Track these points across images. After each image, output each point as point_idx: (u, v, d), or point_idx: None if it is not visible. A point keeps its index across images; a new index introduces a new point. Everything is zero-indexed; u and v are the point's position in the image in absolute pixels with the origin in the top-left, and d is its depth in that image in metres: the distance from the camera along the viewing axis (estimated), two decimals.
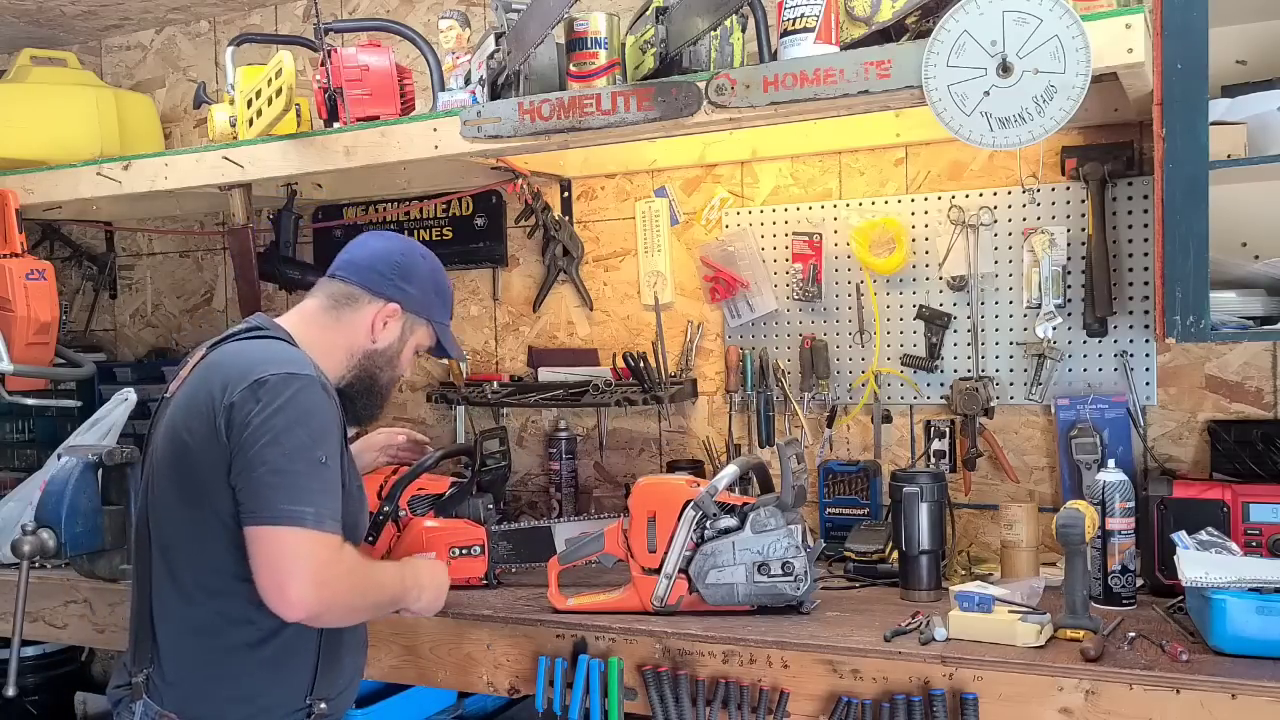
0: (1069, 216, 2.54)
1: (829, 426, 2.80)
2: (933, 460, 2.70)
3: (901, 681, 1.96)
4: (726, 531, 2.21)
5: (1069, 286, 2.53)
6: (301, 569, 1.75)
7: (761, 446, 2.85)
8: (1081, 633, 1.96)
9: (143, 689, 1.90)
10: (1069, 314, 2.53)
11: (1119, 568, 2.17)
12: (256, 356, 1.87)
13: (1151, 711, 1.80)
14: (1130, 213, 2.49)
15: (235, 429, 1.79)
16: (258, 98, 2.63)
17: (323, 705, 1.93)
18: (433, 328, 2.15)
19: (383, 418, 3.43)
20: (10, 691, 2.53)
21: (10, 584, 2.60)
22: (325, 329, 2.04)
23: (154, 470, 1.94)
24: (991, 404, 2.59)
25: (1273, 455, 2.31)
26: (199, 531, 1.85)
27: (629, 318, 3.09)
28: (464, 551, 2.51)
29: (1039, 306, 2.52)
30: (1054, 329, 2.51)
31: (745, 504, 2.23)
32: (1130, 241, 2.49)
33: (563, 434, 3.08)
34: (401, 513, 2.53)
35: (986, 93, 1.88)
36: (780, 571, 2.19)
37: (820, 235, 2.78)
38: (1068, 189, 2.54)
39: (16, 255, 2.95)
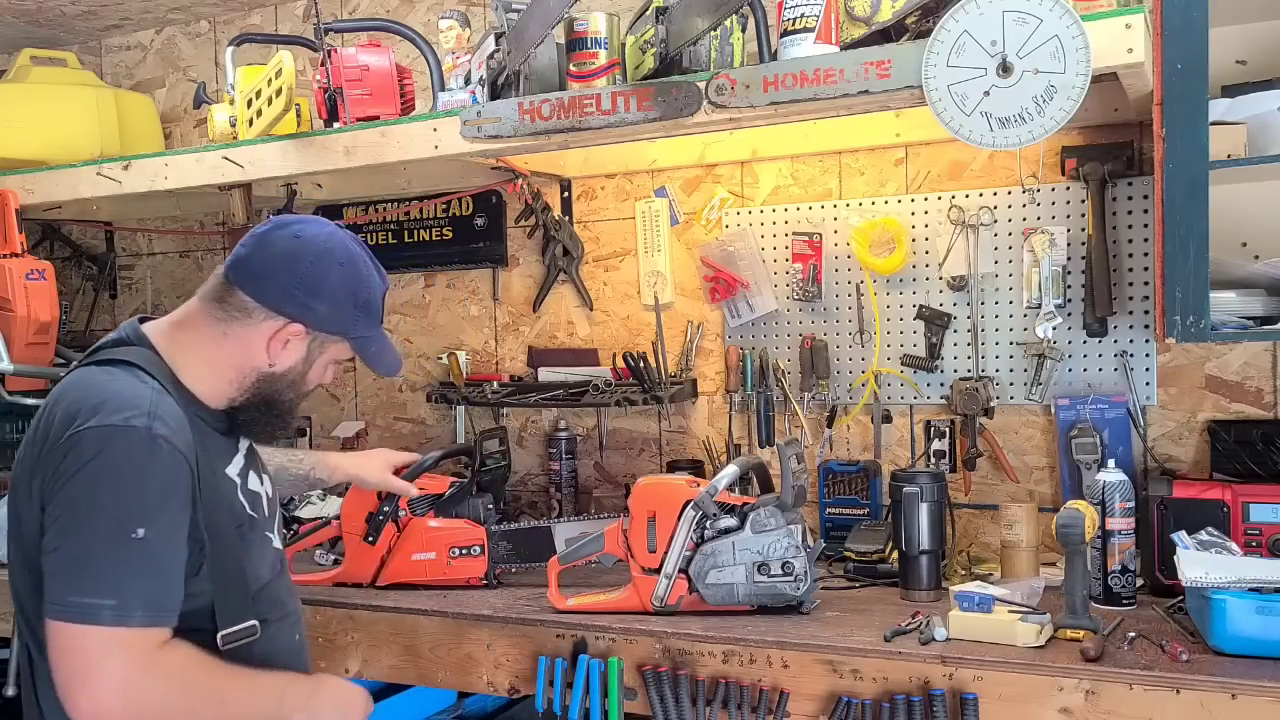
0: (1069, 216, 2.54)
1: (829, 426, 2.80)
2: (933, 460, 2.70)
3: (901, 681, 1.96)
4: (726, 531, 2.21)
5: (1069, 286, 2.53)
6: (95, 676, 1.44)
7: (761, 446, 2.85)
8: (1081, 633, 1.96)
9: None
10: (1069, 314, 2.53)
11: (1119, 568, 2.17)
12: (84, 398, 1.56)
13: (1151, 711, 1.80)
14: (1130, 213, 2.49)
15: (46, 494, 1.52)
16: (258, 98, 2.63)
17: None
18: (352, 345, 1.79)
19: (380, 413, 3.45)
20: (10, 691, 2.53)
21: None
22: (210, 342, 1.69)
23: (8, 520, 1.64)
24: (991, 404, 2.59)
25: (1273, 455, 2.31)
26: (41, 608, 1.53)
27: (629, 318, 3.09)
28: (464, 551, 2.51)
29: (1039, 306, 2.52)
30: (1054, 329, 2.51)
31: (745, 504, 2.24)
32: (1130, 241, 2.49)
33: (563, 434, 3.08)
34: (401, 513, 2.53)
35: (986, 93, 1.88)
36: (780, 571, 2.19)
37: (820, 235, 2.78)
38: (1068, 189, 2.54)
39: (16, 255, 2.95)
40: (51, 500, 1.52)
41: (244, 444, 1.80)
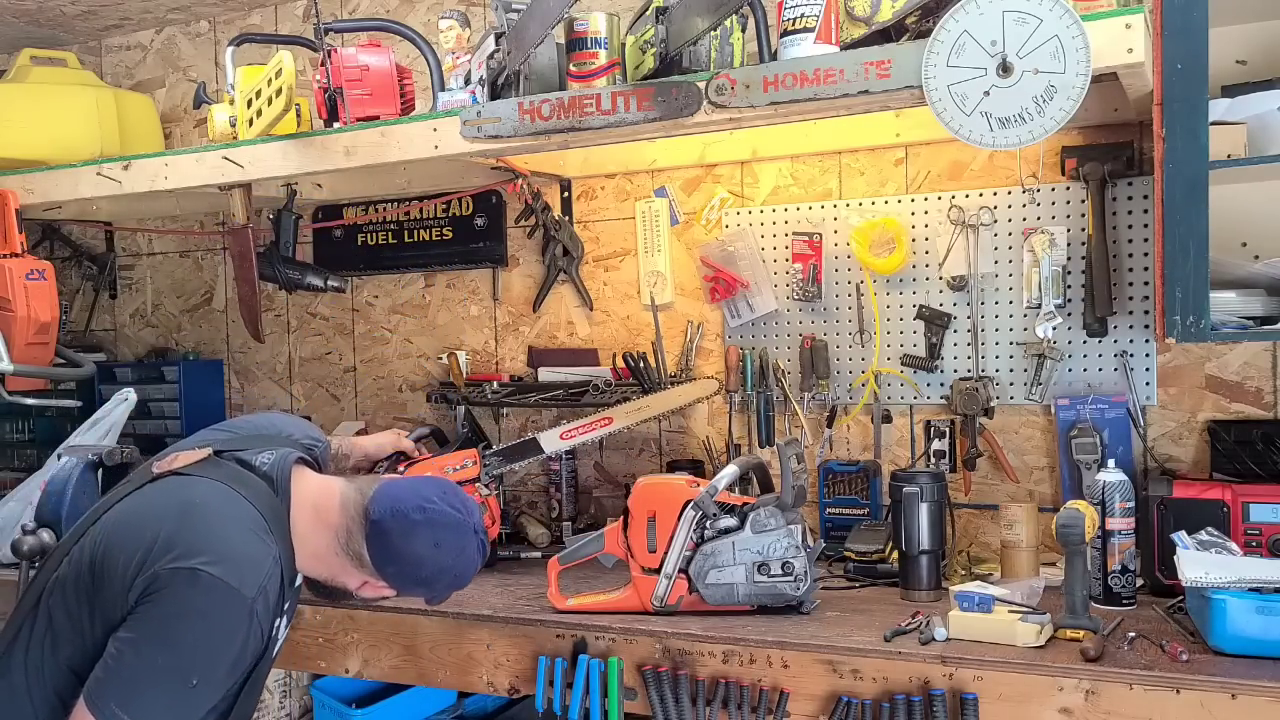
0: (1069, 216, 2.54)
1: (829, 426, 2.80)
2: (933, 460, 2.70)
3: (901, 681, 1.97)
4: (726, 531, 2.21)
5: (1069, 286, 2.53)
6: None
7: (761, 446, 2.85)
8: (1081, 633, 1.96)
9: None
10: (1069, 314, 2.53)
11: (1119, 568, 2.18)
12: (215, 535, 1.63)
13: (1151, 711, 1.80)
14: (1130, 213, 2.49)
15: (137, 586, 1.59)
16: (258, 98, 2.63)
17: None
18: (425, 599, 1.94)
19: (380, 413, 3.45)
20: None
21: (10, 584, 2.60)
22: (328, 548, 1.80)
23: (66, 564, 1.71)
24: (991, 404, 2.59)
25: (1273, 455, 2.31)
26: (48, 682, 1.65)
27: (629, 318, 3.09)
28: (461, 467, 2.58)
29: (1039, 306, 2.52)
30: (1054, 329, 2.51)
31: (745, 504, 2.24)
32: (1130, 241, 2.49)
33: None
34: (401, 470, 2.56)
35: (986, 93, 1.88)
36: (780, 571, 2.19)
37: (820, 235, 2.78)
38: (1068, 189, 2.54)
39: (16, 255, 2.95)
40: (143, 603, 1.58)
41: (289, 602, 1.86)
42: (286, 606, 1.83)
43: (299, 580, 1.87)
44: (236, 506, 1.70)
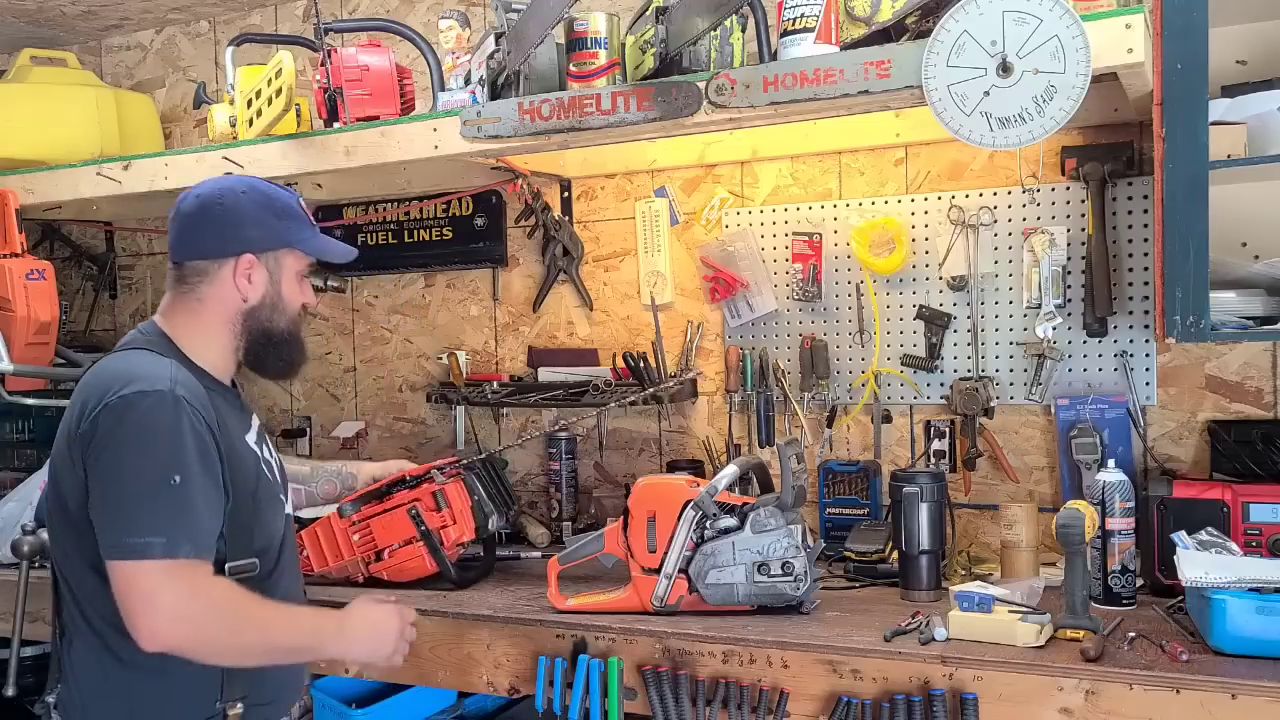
0: (1069, 216, 2.54)
1: (829, 426, 2.80)
2: (933, 460, 2.70)
3: (901, 681, 1.96)
4: (726, 531, 2.21)
5: (1069, 286, 2.53)
6: (152, 604, 1.67)
7: (761, 446, 2.85)
8: (1081, 633, 1.96)
9: (51, 709, 1.87)
10: (1069, 314, 2.53)
11: (1119, 568, 2.18)
12: (109, 377, 1.78)
13: (1151, 711, 1.80)
14: (1130, 213, 2.49)
15: (88, 460, 1.73)
16: (258, 98, 2.63)
17: (238, 707, 1.84)
18: (298, 249, 1.98)
19: (380, 413, 3.45)
20: (10, 691, 2.53)
21: (10, 584, 2.60)
22: (194, 314, 1.91)
23: (48, 495, 1.89)
24: (991, 404, 2.59)
25: (1273, 455, 2.31)
26: (81, 559, 1.79)
27: (629, 318, 3.09)
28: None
29: (1039, 306, 2.52)
30: (1054, 329, 2.51)
31: (745, 504, 2.23)
32: (1130, 241, 2.49)
33: (563, 434, 3.08)
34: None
35: (986, 93, 1.88)
36: (780, 571, 2.19)
37: (820, 235, 2.78)
38: (1068, 189, 2.54)
39: (16, 255, 2.95)
40: (94, 462, 1.72)
41: (256, 421, 2.00)
42: (253, 429, 1.95)
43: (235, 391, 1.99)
44: (117, 358, 1.86)
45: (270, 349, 1.96)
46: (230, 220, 1.89)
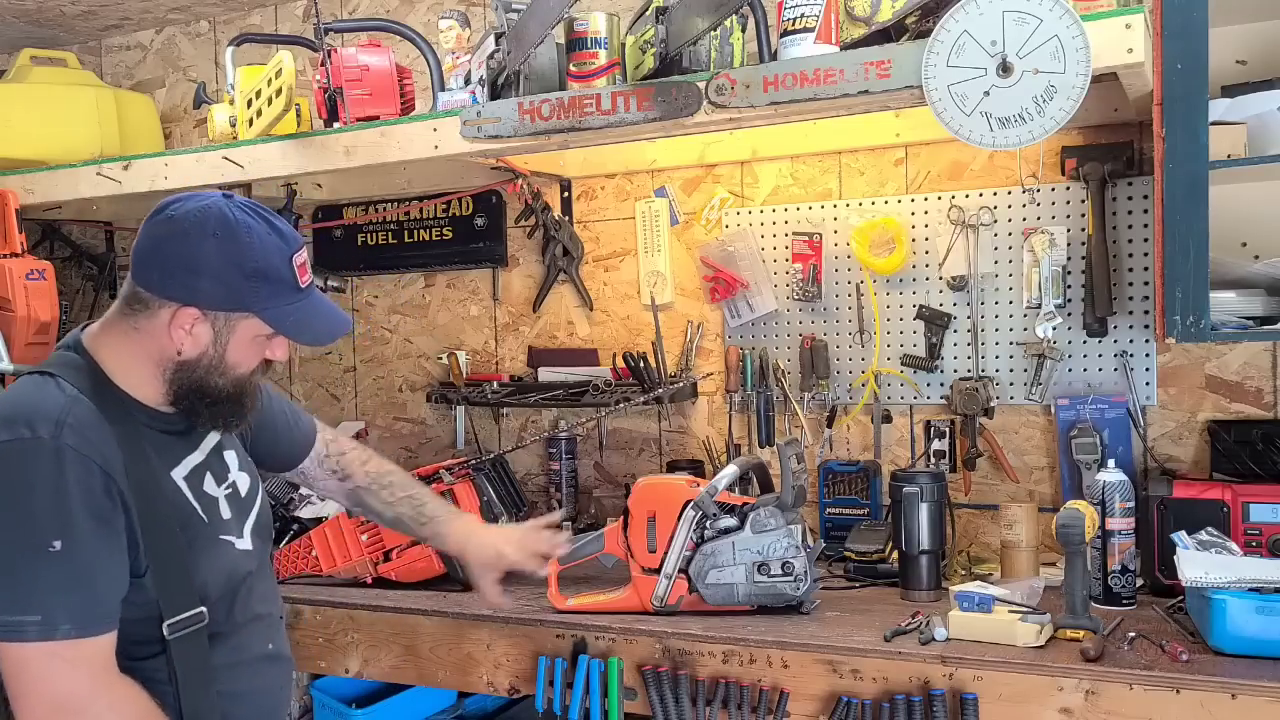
0: (1069, 216, 2.54)
1: (829, 426, 2.80)
2: (933, 460, 2.69)
3: (901, 681, 1.97)
4: (726, 531, 2.21)
5: (1069, 286, 2.53)
6: (32, 693, 1.46)
7: (761, 446, 2.85)
8: (1081, 633, 1.96)
9: None
10: (1069, 314, 2.53)
11: (1119, 568, 2.18)
12: None
13: (1151, 711, 1.80)
14: (1130, 213, 2.49)
15: None
16: (258, 98, 2.63)
17: None
18: (259, 318, 1.65)
19: (380, 413, 3.45)
20: None
21: None
22: (126, 339, 1.64)
23: None
24: (991, 404, 2.59)
25: (1273, 455, 2.31)
26: None
27: (629, 318, 3.09)
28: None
29: (1039, 306, 2.52)
30: (1054, 329, 2.51)
31: (745, 504, 2.24)
32: (1130, 241, 2.49)
33: (563, 434, 3.08)
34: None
35: (986, 93, 1.88)
36: (780, 571, 2.19)
37: (820, 235, 2.78)
38: (1068, 189, 2.54)
39: (16, 255, 2.95)
40: None
41: (208, 443, 1.74)
42: (202, 458, 1.70)
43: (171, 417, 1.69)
44: (20, 383, 1.62)
45: (202, 404, 1.67)
46: (185, 263, 1.59)
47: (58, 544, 1.47)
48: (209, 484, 1.72)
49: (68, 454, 1.50)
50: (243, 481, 1.80)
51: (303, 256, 1.69)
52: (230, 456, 1.80)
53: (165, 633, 1.59)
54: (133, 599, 1.57)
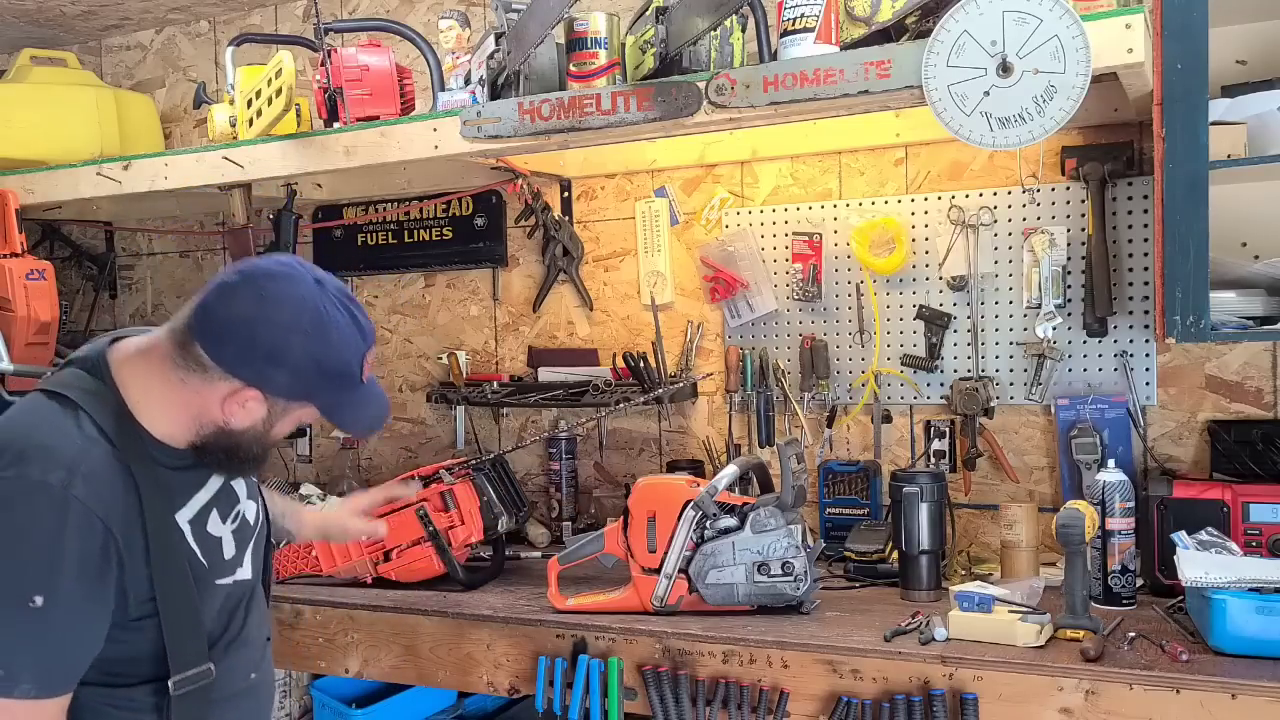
0: (1069, 216, 2.54)
1: (829, 426, 2.80)
2: (933, 460, 2.70)
3: (901, 681, 1.97)
4: (726, 531, 2.21)
5: (1069, 286, 2.53)
6: None
7: (761, 446, 2.85)
8: (1081, 633, 1.96)
9: None
10: (1069, 314, 2.53)
11: (1119, 568, 2.18)
12: (9, 440, 1.45)
13: (1151, 711, 1.80)
14: (1130, 213, 2.49)
15: None
16: (258, 98, 2.63)
17: None
18: (318, 409, 1.61)
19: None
20: None
21: None
22: (168, 385, 1.54)
23: None
24: (991, 404, 2.59)
25: (1273, 455, 2.31)
26: None
27: (629, 318, 3.09)
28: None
29: (1039, 306, 2.52)
30: (1054, 329, 2.51)
31: (745, 504, 2.24)
32: (1130, 241, 2.49)
33: (563, 434, 3.08)
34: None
35: (986, 93, 1.88)
36: (780, 571, 2.19)
37: (820, 235, 2.78)
38: (1068, 189, 2.54)
39: (16, 255, 2.95)
40: None
41: (214, 481, 1.66)
42: (210, 496, 1.63)
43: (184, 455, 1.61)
44: (34, 404, 1.51)
45: (225, 460, 1.62)
46: (268, 353, 1.50)
47: (39, 599, 1.39)
48: (213, 523, 1.65)
49: (73, 506, 1.42)
50: (249, 509, 1.74)
51: (373, 352, 1.64)
52: (239, 485, 1.74)
53: (171, 689, 1.54)
54: (127, 653, 1.53)
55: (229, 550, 1.67)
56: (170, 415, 1.56)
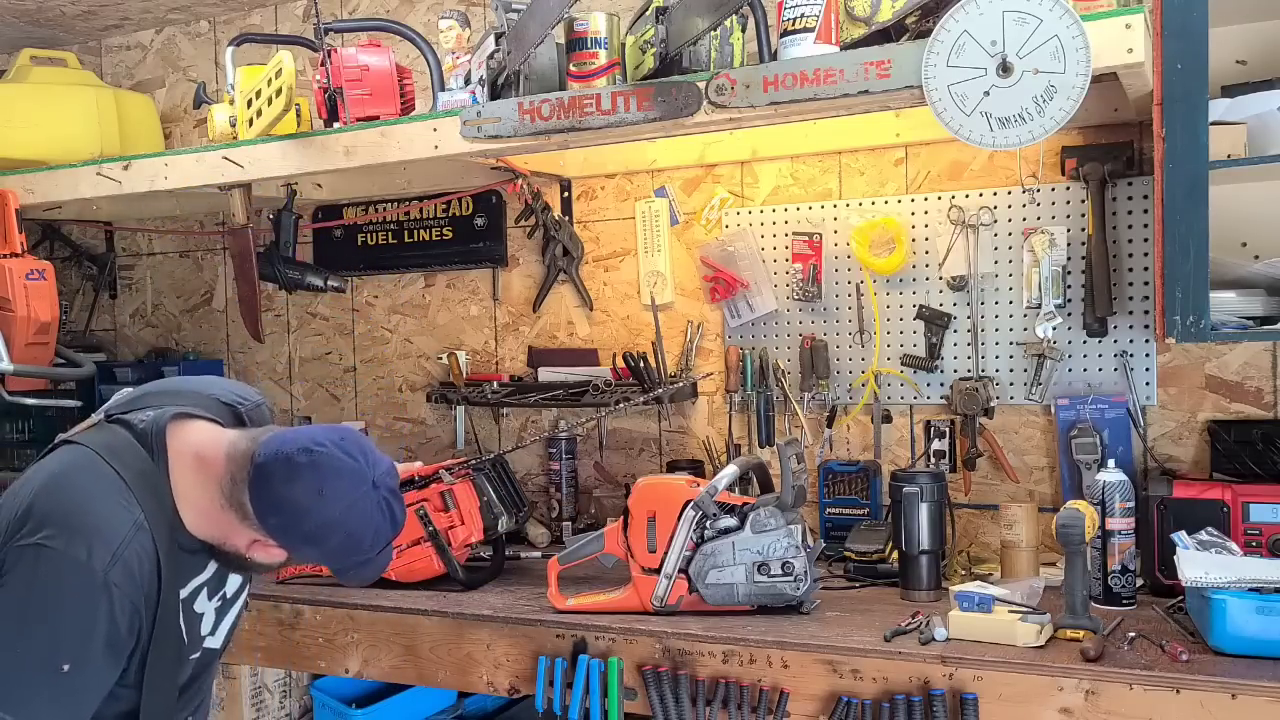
0: (1069, 216, 2.54)
1: (829, 426, 2.80)
2: (933, 460, 2.70)
3: (901, 681, 1.97)
4: (726, 531, 2.21)
5: (1069, 286, 2.53)
6: None
7: (761, 446, 2.85)
8: (1081, 633, 1.96)
9: None
10: (1069, 314, 2.53)
11: (1119, 568, 2.18)
12: (61, 503, 1.53)
13: (1151, 711, 1.80)
14: (1130, 213, 2.49)
15: None
16: (258, 98, 2.63)
17: None
18: (330, 569, 1.72)
19: (380, 413, 3.45)
20: None
21: None
22: (210, 501, 1.62)
23: None
24: (991, 404, 2.59)
25: (1273, 455, 2.31)
26: None
27: (629, 318, 3.09)
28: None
29: (1039, 306, 2.52)
30: (1054, 329, 2.51)
31: (745, 504, 2.24)
32: (1130, 241, 2.49)
33: (563, 434, 3.08)
34: None
35: (986, 93, 1.88)
36: (780, 571, 2.19)
37: (820, 235, 2.78)
38: (1068, 189, 2.54)
39: (16, 255, 2.94)
40: None
41: (208, 571, 1.74)
42: (207, 577, 1.71)
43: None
44: (93, 471, 1.58)
45: (234, 566, 1.72)
46: (309, 537, 1.60)
47: (67, 666, 1.48)
48: (200, 601, 1.72)
49: (112, 592, 1.50)
50: (233, 584, 1.81)
51: (397, 538, 1.72)
52: (222, 574, 1.80)
53: None
54: (118, 709, 1.61)
55: (207, 625, 1.75)
56: (201, 521, 1.64)
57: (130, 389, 1.79)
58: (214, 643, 1.79)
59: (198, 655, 1.75)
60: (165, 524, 1.60)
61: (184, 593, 1.67)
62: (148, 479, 1.60)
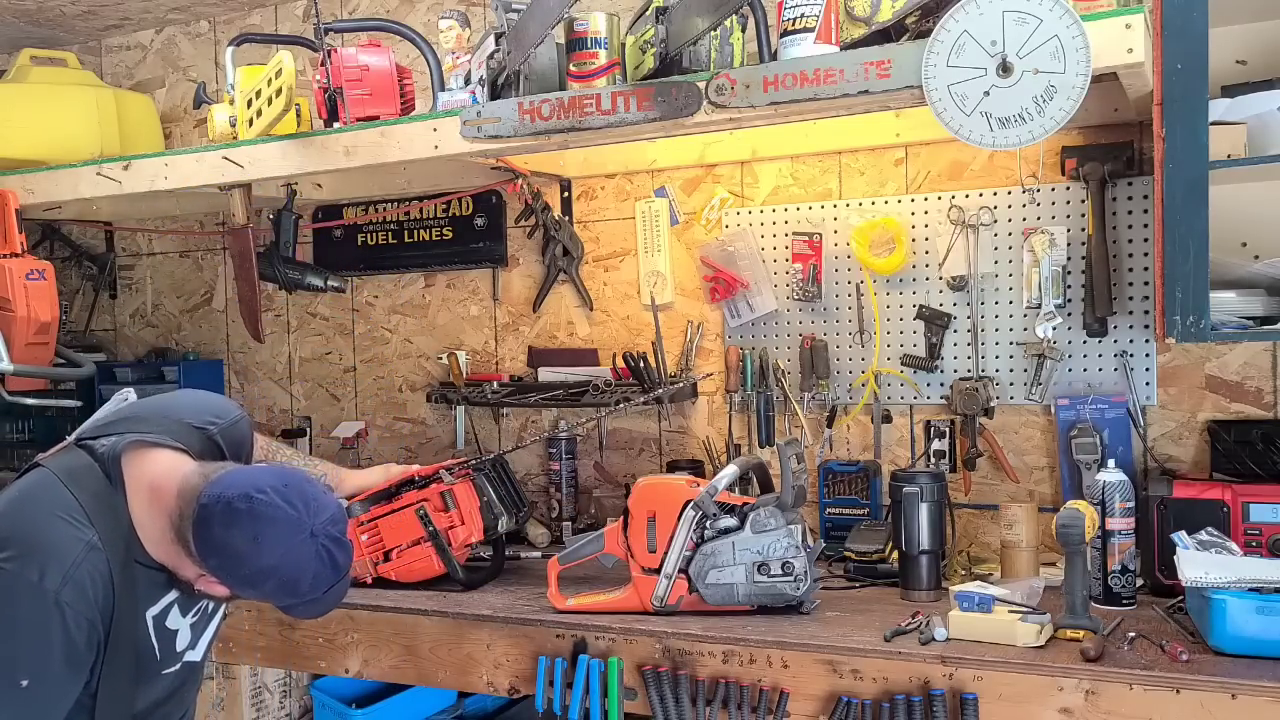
0: (1069, 216, 2.54)
1: (829, 426, 2.80)
2: (933, 460, 2.70)
3: (901, 681, 1.97)
4: (726, 531, 2.21)
5: (1069, 286, 2.53)
6: None
7: (761, 446, 2.85)
8: (1081, 633, 1.96)
9: None
10: (1069, 314, 2.53)
11: (1119, 568, 2.18)
12: (17, 527, 1.59)
13: (1151, 711, 1.80)
14: (1130, 213, 2.49)
15: None
16: (258, 98, 2.63)
17: None
18: (276, 607, 1.76)
19: (380, 413, 3.45)
20: None
21: None
22: (161, 533, 1.67)
23: None
24: (991, 404, 2.59)
25: (1273, 455, 2.31)
26: None
27: (629, 318, 3.09)
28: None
29: (1039, 306, 2.52)
30: (1054, 329, 2.51)
31: (745, 504, 2.24)
32: (1130, 241, 2.49)
33: (563, 434, 3.08)
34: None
35: (986, 93, 1.88)
36: (780, 571, 2.19)
37: (820, 235, 2.78)
38: (1068, 189, 2.54)
39: (16, 255, 2.95)
40: None
41: (174, 593, 1.77)
42: (178, 595, 1.74)
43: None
44: (50, 495, 1.63)
45: (189, 590, 1.75)
46: (244, 579, 1.65)
47: (26, 682, 1.53)
48: (173, 618, 1.76)
49: (65, 611, 1.55)
50: (199, 610, 1.84)
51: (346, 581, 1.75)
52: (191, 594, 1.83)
53: None
54: (80, 713, 1.64)
55: (183, 641, 1.80)
56: (155, 549, 1.68)
57: (105, 410, 1.84)
58: (194, 656, 1.83)
59: (176, 669, 1.79)
60: (121, 543, 1.64)
61: (154, 610, 1.72)
62: (103, 500, 1.65)
